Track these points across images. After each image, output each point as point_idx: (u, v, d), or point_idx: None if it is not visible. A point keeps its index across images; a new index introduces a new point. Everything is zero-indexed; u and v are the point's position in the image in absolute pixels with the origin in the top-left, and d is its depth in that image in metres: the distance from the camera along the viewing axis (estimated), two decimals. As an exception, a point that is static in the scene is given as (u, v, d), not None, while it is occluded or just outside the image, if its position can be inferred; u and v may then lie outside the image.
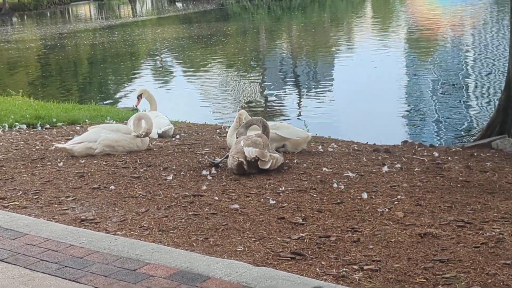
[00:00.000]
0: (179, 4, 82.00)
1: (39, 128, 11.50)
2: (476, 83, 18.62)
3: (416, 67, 22.29)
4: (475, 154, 8.72)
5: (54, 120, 11.92)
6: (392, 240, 5.09)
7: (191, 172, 7.58)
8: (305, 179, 7.09)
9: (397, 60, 24.10)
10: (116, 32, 46.37)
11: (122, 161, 8.32)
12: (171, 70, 27.42)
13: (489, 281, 4.30)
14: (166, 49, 34.37)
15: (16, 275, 4.63)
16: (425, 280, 4.33)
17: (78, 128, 11.53)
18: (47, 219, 5.93)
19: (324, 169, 7.53)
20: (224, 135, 10.64)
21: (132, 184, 7.08)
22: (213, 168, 7.70)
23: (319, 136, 10.65)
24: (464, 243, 5.01)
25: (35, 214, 6.11)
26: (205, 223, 5.66)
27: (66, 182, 7.30)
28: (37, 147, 9.62)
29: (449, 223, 5.50)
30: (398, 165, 7.69)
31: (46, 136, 10.62)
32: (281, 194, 6.51)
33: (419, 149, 9.15)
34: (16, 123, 11.58)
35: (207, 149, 9.09)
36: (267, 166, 7.30)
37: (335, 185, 6.77)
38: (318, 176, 7.19)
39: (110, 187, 6.95)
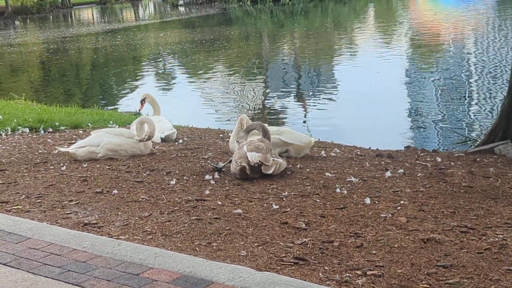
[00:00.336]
0: (181, 8, 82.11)
1: (42, 132, 11.52)
2: (479, 88, 18.61)
3: (418, 72, 22.31)
4: (478, 159, 8.71)
5: (57, 124, 11.94)
6: (395, 246, 5.09)
7: (194, 176, 7.59)
8: (308, 184, 7.10)
9: (399, 65, 24.11)
10: (119, 36, 46.42)
11: (125, 165, 8.33)
12: (174, 75, 27.45)
13: (492, 287, 4.29)
14: (169, 54, 34.39)
15: (19, 279, 4.63)
16: (428, 286, 4.33)
17: (81, 132, 11.54)
18: (50, 223, 5.93)
19: (327, 174, 7.54)
20: (227, 139, 10.64)
21: (135, 189, 7.08)
22: (216, 172, 7.71)
23: (322, 141, 10.65)
24: (468, 249, 5.00)
25: (38, 218, 6.12)
26: (208, 227, 5.66)
27: (69, 186, 7.32)
28: (40, 151, 9.63)
29: (452, 228, 5.50)
30: (401, 170, 7.69)
31: (49, 140, 10.63)
32: (284, 199, 6.51)
33: (422, 154, 9.15)
34: (19, 127, 11.61)
35: (210, 153, 9.09)
36: (271, 171, 7.30)
37: (338, 190, 6.77)
38: (321, 181, 7.20)
39: (113, 191, 6.96)
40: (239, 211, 6.07)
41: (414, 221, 5.72)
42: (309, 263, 4.78)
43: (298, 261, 4.81)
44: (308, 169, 7.85)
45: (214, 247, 5.17)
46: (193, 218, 5.94)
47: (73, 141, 10.43)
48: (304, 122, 15.88)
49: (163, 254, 4.95)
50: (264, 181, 7.27)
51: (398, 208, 6.11)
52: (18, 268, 4.83)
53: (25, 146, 10.12)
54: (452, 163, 8.30)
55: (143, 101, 11.00)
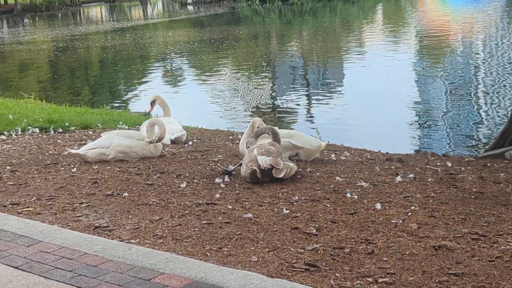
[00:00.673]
0: (190, 7, 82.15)
1: (52, 132, 11.54)
2: (489, 91, 18.57)
3: (427, 73, 22.25)
4: (488, 164, 8.68)
5: (67, 124, 11.96)
6: (407, 253, 5.08)
7: (204, 179, 7.59)
8: (318, 188, 7.09)
9: (408, 66, 24.05)
10: (127, 35, 46.50)
11: (135, 167, 8.34)
12: (183, 74, 27.48)
13: (505, 296, 4.29)
14: (177, 53, 34.42)
15: (30, 283, 4.65)
16: (440, 295, 4.33)
17: (90, 132, 11.55)
18: (61, 226, 5.95)
19: (337, 178, 7.53)
20: (237, 141, 10.65)
21: (146, 191, 7.09)
22: (226, 176, 7.71)
23: (331, 144, 10.63)
24: (479, 257, 4.99)
25: (49, 221, 6.13)
26: (218, 232, 5.66)
27: (79, 188, 7.33)
28: (50, 152, 9.66)
29: (463, 235, 5.48)
30: (412, 175, 7.68)
31: (59, 141, 10.65)
32: (294, 203, 6.51)
33: (432, 158, 9.13)
34: (29, 127, 11.63)
35: (220, 156, 9.09)
36: (281, 175, 7.30)
37: (348, 195, 6.76)
38: (331, 186, 7.19)
39: (124, 194, 6.96)
40: (250, 215, 6.07)
41: (425, 227, 5.71)
42: (320, 270, 4.78)
43: (309, 268, 4.81)
44: (318, 173, 7.84)
45: (225, 252, 5.17)
46: (203, 222, 5.94)
47: (83, 142, 10.45)
48: (312, 123, 15.87)
49: (174, 259, 4.95)
50: (274, 185, 7.27)
51: (409, 214, 6.10)
52: (29, 272, 4.85)
53: (35, 146, 10.15)
54: (462, 168, 8.27)
55: (153, 103, 11.03)
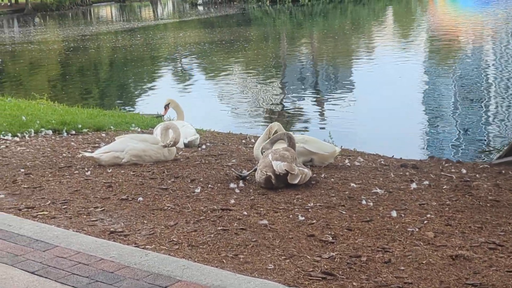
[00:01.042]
0: (200, 8, 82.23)
1: (65, 134, 11.56)
2: (501, 95, 18.48)
3: (438, 77, 22.17)
4: (503, 171, 8.63)
5: (80, 126, 11.97)
6: (424, 262, 5.05)
7: (219, 184, 7.58)
8: (333, 194, 7.07)
9: (419, 70, 24.01)
10: (138, 35, 46.57)
11: (149, 171, 8.34)
12: (193, 76, 27.48)
13: (524, 308, 4.27)
14: (188, 54, 34.45)
15: (48, 289, 4.65)
16: (458, 306, 4.31)
17: (103, 135, 11.57)
18: (76, 230, 5.94)
19: (352, 184, 7.51)
20: (250, 146, 10.64)
21: (160, 196, 7.08)
22: (240, 181, 7.70)
23: (345, 149, 10.60)
24: (497, 267, 4.96)
25: (64, 225, 6.13)
26: (234, 239, 5.64)
27: (94, 192, 7.33)
28: (64, 155, 9.67)
29: (480, 245, 5.45)
30: (426, 182, 7.65)
31: (72, 143, 10.67)
32: (309, 210, 6.49)
33: (446, 165, 9.09)
34: (42, 129, 11.65)
35: (234, 160, 9.08)
36: (297, 181, 7.27)
37: (363, 202, 6.74)
38: (346, 192, 7.17)
39: (138, 199, 6.96)
40: (265, 222, 6.06)
41: (442, 236, 5.68)
42: (337, 278, 4.76)
43: (326, 276, 4.79)
44: (332, 179, 7.82)
45: (241, 260, 5.15)
46: (219, 228, 5.93)
47: (96, 144, 10.47)
48: (321, 126, 15.86)
49: (190, 266, 4.94)
50: (289, 190, 7.25)
51: (425, 222, 6.08)
52: (46, 277, 4.84)
53: (49, 149, 10.17)
54: (477, 175, 8.23)
55: (167, 106, 11.02)
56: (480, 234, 5.75)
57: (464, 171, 8.42)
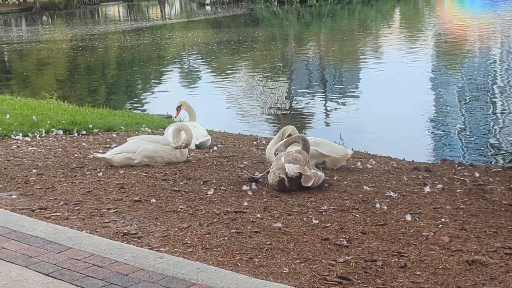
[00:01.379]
0: (208, 8, 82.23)
1: (76, 134, 11.55)
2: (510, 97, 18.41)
3: (447, 79, 22.07)
4: (516, 175, 8.62)
5: (90, 126, 11.97)
6: (440, 267, 5.03)
7: (232, 186, 7.55)
8: (346, 198, 7.04)
9: (428, 72, 23.90)
10: (146, 35, 46.60)
11: (161, 172, 8.32)
12: (201, 76, 27.43)
13: (542, 315, 4.24)
14: (196, 54, 34.45)
15: (63, 291, 4.64)
16: (476, 312, 4.28)
17: (114, 135, 11.56)
18: (90, 232, 5.93)
19: (365, 187, 7.47)
20: (261, 147, 10.62)
21: (173, 198, 7.07)
22: (253, 183, 7.67)
23: (356, 151, 10.55)
24: (513, 272, 4.93)
25: (77, 226, 6.12)
26: (248, 241, 5.62)
27: (106, 194, 7.32)
28: (75, 155, 9.66)
29: (496, 250, 5.42)
30: (440, 186, 7.61)
31: (83, 144, 10.66)
32: (323, 213, 6.46)
33: (459, 168, 9.05)
34: (53, 129, 11.65)
35: (246, 162, 9.05)
36: (310, 184, 7.25)
37: (377, 205, 6.71)
38: (360, 195, 7.14)
39: (151, 200, 6.94)
40: (279, 225, 6.04)
41: (457, 240, 5.65)
42: (353, 283, 4.74)
43: (342, 281, 4.77)
44: (345, 182, 7.79)
45: (256, 263, 5.13)
46: (232, 231, 5.91)
47: (107, 145, 10.47)
48: (331, 128, 15.80)
49: (205, 269, 4.92)
50: (302, 193, 7.22)
51: (440, 226, 6.05)
52: (60, 279, 4.83)
53: (60, 149, 10.16)
54: (490, 179, 8.19)
55: (179, 108, 10.99)
56: (496, 239, 5.72)
57: (477, 174, 8.38)
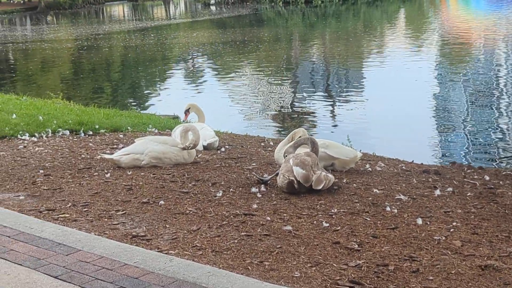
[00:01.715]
0: (213, 8, 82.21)
1: (82, 134, 11.50)
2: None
3: (454, 81, 21.96)
4: (526, 178, 8.55)
5: (97, 126, 11.92)
6: (453, 272, 4.97)
7: (240, 188, 7.50)
8: (356, 200, 6.99)
9: (434, 73, 23.85)
10: (151, 35, 46.58)
11: (169, 174, 8.27)
12: (206, 77, 27.39)
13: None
14: (201, 54, 34.44)
15: (72, 294, 4.60)
16: (491, 319, 4.23)
17: (121, 136, 11.51)
18: (98, 234, 5.89)
19: (374, 190, 7.42)
20: (269, 149, 10.57)
21: (182, 200, 7.02)
22: (262, 185, 7.62)
23: (364, 153, 10.47)
24: (527, 278, 4.88)
25: (85, 228, 6.08)
26: (258, 245, 5.58)
27: (114, 195, 7.27)
28: (82, 156, 9.61)
29: (509, 255, 5.36)
30: (450, 189, 7.55)
31: (90, 144, 10.61)
32: (333, 216, 6.41)
33: (468, 171, 8.98)
34: (59, 129, 11.61)
35: (254, 164, 8.99)
36: (321, 187, 7.20)
37: (388, 208, 6.65)
38: (370, 198, 7.08)
39: (160, 202, 6.90)
40: (289, 228, 5.99)
41: (469, 245, 5.60)
42: (365, 288, 4.69)
43: (354, 285, 4.73)
44: (355, 184, 7.74)
45: (267, 267, 5.09)
46: (242, 234, 5.86)
47: (114, 145, 10.42)
48: (337, 130, 15.74)
49: (216, 273, 4.87)
50: (311, 196, 7.17)
51: (451, 230, 5.99)
52: (70, 282, 4.79)
53: (67, 150, 10.11)
54: (501, 182, 8.13)
55: (187, 112, 10.89)
56: (508, 244, 5.66)
57: (487, 177, 8.31)
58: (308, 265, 5.12)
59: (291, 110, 19.07)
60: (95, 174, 8.37)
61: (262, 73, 26.79)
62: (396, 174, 8.57)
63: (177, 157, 8.85)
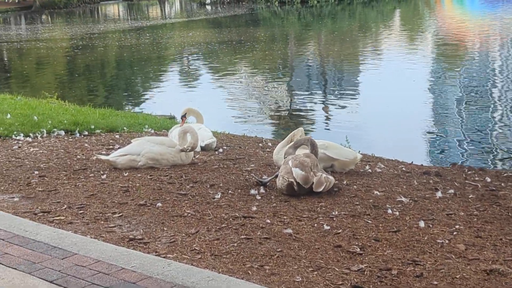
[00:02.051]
0: (208, 7, 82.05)
1: (78, 135, 11.37)
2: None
3: (451, 81, 21.88)
4: (528, 180, 8.45)
5: (92, 127, 11.78)
6: (457, 276, 4.87)
7: (239, 190, 7.38)
8: (357, 203, 6.87)
9: (431, 73, 23.77)
10: (147, 34, 46.42)
11: (166, 175, 8.13)
12: (202, 77, 27.25)
13: None
14: (197, 54, 34.30)
15: (68, 300, 4.49)
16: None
17: (117, 136, 11.38)
18: (94, 237, 5.78)
19: (375, 192, 7.30)
20: (268, 150, 10.45)
21: (179, 202, 6.90)
22: (261, 187, 7.49)
23: (363, 154, 10.37)
24: (534, 283, 4.78)
25: (81, 231, 5.97)
26: (258, 248, 5.47)
27: (111, 197, 7.15)
28: (78, 157, 9.48)
29: (514, 258, 5.27)
30: (452, 191, 7.43)
31: (86, 145, 10.48)
32: (334, 219, 6.30)
33: (469, 172, 8.86)
34: (54, 129, 11.46)
35: (253, 165, 8.85)
36: (321, 189, 7.08)
37: (389, 210, 6.54)
38: (371, 200, 6.97)
39: (157, 204, 6.78)
40: (290, 231, 5.87)
41: (473, 248, 5.50)
42: (368, 293, 4.59)
43: (357, 290, 4.63)
44: (355, 186, 7.62)
45: (267, 271, 4.98)
46: (242, 237, 5.75)
47: (110, 146, 10.30)
48: (335, 130, 15.63)
49: (215, 277, 4.77)
50: (311, 198, 7.05)
51: (455, 233, 5.89)
52: (65, 287, 4.68)
53: (62, 150, 9.97)
54: (502, 184, 8.02)
55: (184, 117, 10.73)
56: (513, 247, 5.56)
57: (488, 179, 8.20)
58: (310, 269, 5.02)
59: (288, 111, 18.97)
60: (91, 175, 8.24)
61: (258, 73, 26.68)
62: (397, 175, 8.46)
63: (174, 158, 8.72)
